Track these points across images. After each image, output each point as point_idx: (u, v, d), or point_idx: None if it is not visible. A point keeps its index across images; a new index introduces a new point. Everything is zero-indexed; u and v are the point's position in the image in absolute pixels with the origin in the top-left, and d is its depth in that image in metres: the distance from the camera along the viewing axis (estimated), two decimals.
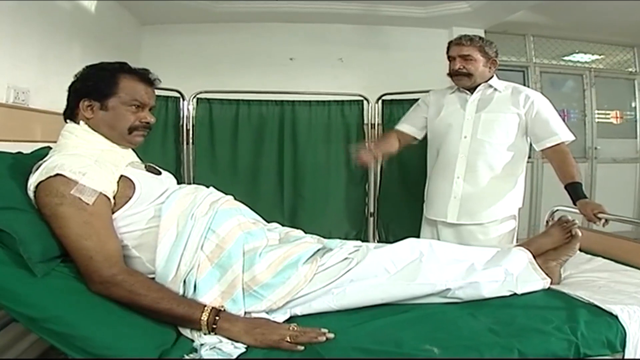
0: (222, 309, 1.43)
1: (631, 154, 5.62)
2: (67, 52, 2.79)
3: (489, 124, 2.50)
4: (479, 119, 2.52)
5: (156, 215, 1.53)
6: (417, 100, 2.89)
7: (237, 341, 1.36)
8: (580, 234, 1.98)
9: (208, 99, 3.61)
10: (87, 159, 1.48)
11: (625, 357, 1.46)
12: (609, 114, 5.62)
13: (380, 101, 3.81)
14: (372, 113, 3.80)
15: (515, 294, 1.72)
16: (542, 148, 2.49)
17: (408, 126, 2.79)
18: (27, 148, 1.85)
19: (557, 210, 2.63)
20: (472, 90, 2.58)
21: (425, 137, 2.81)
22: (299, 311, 1.54)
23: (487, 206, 2.52)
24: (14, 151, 1.69)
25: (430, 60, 3.37)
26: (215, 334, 1.37)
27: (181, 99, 3.51)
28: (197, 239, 1.51)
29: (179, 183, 1.80)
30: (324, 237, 1.88)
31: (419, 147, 3.30)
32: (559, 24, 4.76)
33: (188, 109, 3.54)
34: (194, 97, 3.55)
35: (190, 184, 1.95)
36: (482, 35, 4.00)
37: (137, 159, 1.74)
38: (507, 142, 2.50)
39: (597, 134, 5.42)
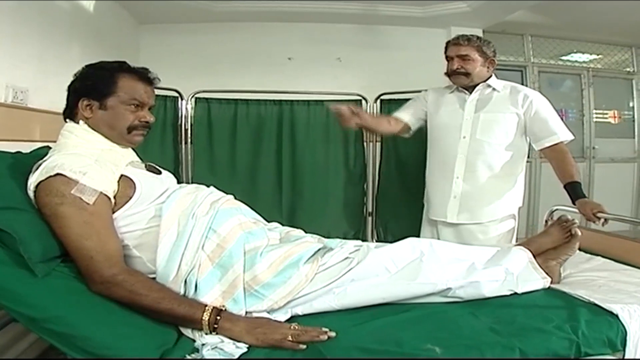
0: (223, 309, 1.43)
1: (629, 154, 5.64)
2: (66, 51, 2.78)
3: (487, 124, 2.50)
4: (478, 119, 2.52)
5: (157, 214, 1.52)
6: None
7: (238, 341, 1.36)
8: (580, 233, 1.98)
9: (207, 99, 3.60)
10: (88, 158, 1.47)
11: (626, 356, 1.46)
12: (607, 114, 5.63)
13: (378, 101, 3.80)
14: (371, 112, 3.79)
15: (515, 293, 1.73)
16: (541, 147, 2.50)
17: (404, 114, 2.76)
18: (26, 148, 1.84)
19: (557, 209, 2.64)
20: (470, 89, 2.59)
21: (421, 136, 2.80)
22: (300, 311, 1.54)
23: (487, 206, 2.53)
24: (12, 151, 1.68)
25: (429, 59, 3.37)
26: (217, 333, 1.37)
27: (180, 99, 3.50)
28: (198, 239, 1.50)
29: (178, 183, 1.80)
30: (323, 237, 1.88)
31: (417, 147, 3.31)
32: (557, 24, 4.76)
33: (186, 109, 3.53)
34: (192, 97, 3.54)
35: (188, 183, 1.95)
36: (481, 35, 4.04)
37: (137, 159, 1.73)
38: (506, 142, 2.50)
39: (595, 134, 5.43)
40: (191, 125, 3.57)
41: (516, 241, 2.62)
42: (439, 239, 2.57)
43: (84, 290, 1.34)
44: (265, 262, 1.54)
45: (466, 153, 2.53)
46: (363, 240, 2.25)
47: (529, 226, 5.01)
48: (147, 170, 1.69)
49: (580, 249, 2.09)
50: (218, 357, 1.27)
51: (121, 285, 1.35)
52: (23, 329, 2.00)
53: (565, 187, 2.36)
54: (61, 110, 1.66)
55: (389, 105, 3.74)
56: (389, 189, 3.82)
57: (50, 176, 1.39)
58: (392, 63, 4.39)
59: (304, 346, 1.33)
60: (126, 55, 1.89)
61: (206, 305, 1.41)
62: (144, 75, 1.67)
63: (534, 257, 1.89)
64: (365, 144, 3.83)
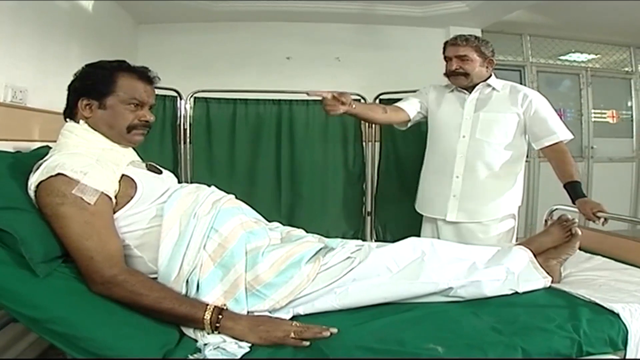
0: (225, 308, 1.43)
1: (627, 153, 5.64)
2: (65, 51, 2.77)
3: (487, 124, 2.50)
4: (478, 119, 2.52)
5: (158, 214, 1.52)
6: None
7: (241, 340, 1.35)
8: (580, 232, 1.99)
9: (205, 98, 3.60)
10: (89, 158, 1.47)
11: (627, 355, 1.47)
12: (605, 113, 5.63)
13: (377, 100, 3.80)
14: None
15: (516, 292, 1.73)
16: (540, 147, 2.50)
17: (405, 104, 2.73)
18: (26, 147, 1.84)
19: (556, 209, 2.64)
20: (469, 89, 2.58)
21: (420, 136, 2.80)
22: (301, 310, 1.54)
23: (487, 205, 2.53)
24: (12, 150, 1.68)
25: (428, 59, 3.37)
26: (219, 333, 1.37)
27: (179, 98, 3.49)
28: (199, 238, 1.50)
29: (178, 182, 1.79)
30: (323, 237, 1.88)
31: (416, 147, 3.31)
32: (555, 24, 4.76)
33: (185, 108, 3.52)
34: (191, 96, 3.53)
35: (188, 183, 1.95)
36: (479, 34, 4.03)
37: (138, 158, 1.73)
38: (506, 141, 2.50)
39: (593, 133, 5.44)
40: (190, 124, 3.56)
41: (516, 240, 2.63)
42: (439, 237, 2.58)
43: (85, 290, 1.34)
44: (267, 261, 1.54)
45: (466, 153, 2.52)
46: (362, 240, 2.25)
47: (527, 226, 5.02)
48: (148, 169, 1.68)
49: (580, 249, 2.09)
50: (220, 357, 1.27)
51: (122, 285, 1.34)
52: (23, 329, 2.01)
53: (565, 186, 2.36)
54: (60, 110, 1.66)
55: (389, 104, 3.73)
56: (387, 189, 3.82)
57: (51, 176, 1.38)
58: (391, 63, 4.39)
59: (307, 343, 1.34)
60: (125, 54, 1.89)
61: (207, 305, 1.40)
62: (143, 74, 1.67)
63: (535, 256, 1.89)
64: (364, 143, 3.83)
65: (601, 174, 5.34)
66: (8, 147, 1.75)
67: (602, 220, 2.21)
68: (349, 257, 1.65)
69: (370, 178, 3.90)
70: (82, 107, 1.59)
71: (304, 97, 3.66)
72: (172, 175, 1.81)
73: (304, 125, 3.73)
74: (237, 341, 1.33)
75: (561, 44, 5.35)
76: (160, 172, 1.74)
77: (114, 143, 1.62)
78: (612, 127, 5.65)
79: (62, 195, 1.37)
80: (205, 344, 1.31)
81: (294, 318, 1.52)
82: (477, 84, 2.56)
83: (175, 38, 4.12)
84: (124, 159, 1.58)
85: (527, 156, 2.66)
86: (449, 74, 2.58)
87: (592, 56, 5.57)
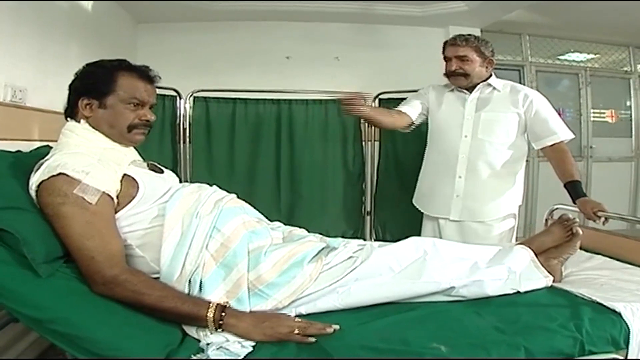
0: (228, 305, 1.42)
1: (626, 153, 5.65)
2: (65, 50, 2.77)
3: (489, 124, 2.50)
4: (479, 119, 2.52)
5: (160, 214, 1.51)
6: None
7: (246, 337, 1.36)
8: (581, 232, 1.98)
9: (205, 98, 3.60)
10: (90, 157, 1.46)
11: (629, 354, 1.47)
12: (604, 113, 5.64)
13: (377, 100, 3.80)
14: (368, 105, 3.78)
15: (518, 292, 1.72)
16: (541, 147, 2.50)
17: (408, 108, 2.71)
18: (25, 147, 1.83)
19: (557, 208, 2.63)
20: (469, 89, 2.58)
21: (420, 135, 2.79)
22: (304, 310, 1.53)
23: (489, 204, 2.53)
24: (12, 150, 1.67)
25: (427, 59, 3.37)
26: (222, 330, 1.36)
27: (178, 98, 3.50)
28: (202, 238, 1.49)
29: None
30: (324, 236, 1.88)
31: (415, 146, 3.31)
32: (554, 23, 4.77)
33: (185, 108, 3.53)
34: (190, 96, 3.54)
35: (188, 183, 1.94)
36: (479, 34, 4.03)
37: (139, 158, 1.72)
38: (508, 141, 2.50)
39: (592, 133, 5.45)
40: (189, 124, 3.57)
41: (516, 240, 2.63)
42: (440, 236, 2.58)
43: (87, 291, 1.33)
44: (269, 261, 1.54)
45: (468, 153, 2.52)
46: (362, 240, 2.25)
47: (526, 225, 5.02)
48: (150, 169, 1.67)
49: (580, 248, 2.09)
50: (223, 357, 1.26)
51: (123, 285, 1.33)
52: (23, 329, 2.00)
53: (565, 186, 2.37)
54: (60, 110, 1.65)
55: (388, 104, 3.73)
56: (387, 189, 3.83)
57: (53, 175, 1.37)
58: (391, 62, 4.39)
59: (313, 339, 1.34)
60: (124, 54, 1.88)
61: (210, 302, 1.40)
62: (144, 74, 1.66)
63: (536, 255, 1.89)
64: (363, 143, 3.84)
65: (600, 173, 5.35)
66: (8, 146, 1.74)
67: (602, 219, 2.22)
68: (351, 257, 1.65)
69: (370, 177, 3.91)
70: (83, 106, 1.58)
71: (304, 96, 3.69)
72: (173, 174, 1.80)
73: (304, 124, 3.73)
74: (240, 341, 1.32)
75: (560, 43, 5.36)
76: (162, 172, 1.73)
77: (115, 142, 1.61)
78: (611, 126, 5.66)
79: (63, 195, 1.36)
80: (208, 344, 1.31)
81: (296, 318, 1.51)
82: (478, 84, 2.55)
83: (175, 37, 4.12)
84: (126, 159, 1.58)
85: (527, 155, 2.66)
86: (448, 74, 2.57)
87: (591, 56, 5.58)
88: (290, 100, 3.70)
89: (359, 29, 4.39)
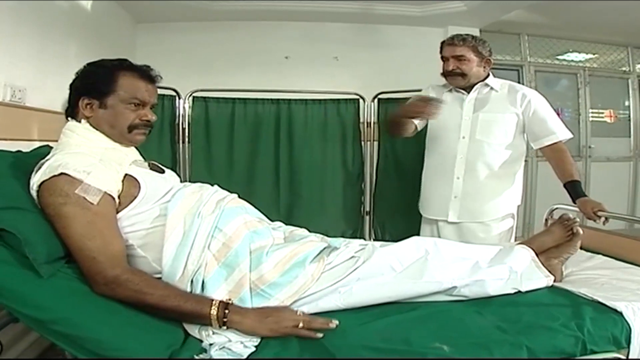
0: (230, 302, 1.42)
1: (625, 153, 5.66)
2: (64, 50, 2.76)
3: (487, 124, 2.50)
4: (477, 119, 2.51)
5: (161, 214, 1.51)
6: None
7: (252, 334, 1.36)
8: (581, 232, 1.99)
9: (204, 98, 3.60)
10: (92, 157, 1.46)
11: (631, 353, 1.47)
12: (602, 113, 5.64)
13: (376, 100, 3.81)
14: (368, 112, 3.80)
15: (519, 291, 1.72)
16: (540, 147, 2.50)
17: None
18: (25, 147, 1.83)
19: (557, 208, 2.63)
20: (467, 89, 2.57)
21: (418, 135, 2.79)
22: (306, 310, 1.52)
23: (488, 205, 2.53)
24: (11, 150, 1.67)
25: (426, 59, 3.36)
26: (227, 328, 1.36)
27: (177, 98, 3.50)
28: (204, 238, 1.49)
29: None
30: (325, 236, 1.87)
31: (414, 146, 3.30)
32: (553, 23, 4.77)
33: (184, 108, 3.53)
34: (190, 96, 3.53)
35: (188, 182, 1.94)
36: (477, 34, 4.03)
37: (141, 157, 1.71)
38: (506, 141, 2.50)
39: (591, 133, 5.45)
40: (189, 124, 3.56)
41: (515, 239, 2.63)
42: (439, 237, 2.56)
43: (89, 291, 1.33)
44: (271, 261, 1.54)
45: (466, 153, 2.52)
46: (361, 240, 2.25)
47: (525, 225, 5.02)
48: (151, 169, 1.67)
49: (580, 248, 2.09)
50: (226, 357, 1.26)
51: (125, 285, 1.33)
52: (23, 329, 2.00)
53: (565, 186, 2.37)
54: (59, 109, 1.65)
55: (387, 104, 3.75)
56: (386, 188, 3.82)
57: (54, 175, 1.37)
58: (390, 62, 4.39)
59: (320, 334, 1.35)
60: (124, 54, 1.88)
61: (213, 300, 1.39)
62: (145, 73, 1.65)
63: (536, 255, 1.89)
64: (362, 143, 3.84)
65: (599, 173, 5.36)
66: (7, 146, 1.74)
67: (602, 219, 2.22)
68: (353, 257, 1.65)
69: (369, 177, 3.91)
70: (83, 106, 1.57)
71: (303, 96, 3.69)
72: (174, 174, 1.80)
73: (303, 124, 3.73)
74: (242, 341, 1.32)
75: (559, 43, 5.36)
76: (163, 171, 1.73)
77: (115, 142, 1.61)
78: (609, 126, 5.66)
79: (65, 195, 1.35)
80: (210, 344, 1.31)
81: None
82: (475, 84, 2.55)
83: (174, 37, 4.12)
84: (127, 159, 1.57)
85: (526, 155, 2.66)
86: (446, 74, 2.57)
87: (590, 56, 5.59)
88: (289, 100, 3.70)
89: (358, 29, 4.39)
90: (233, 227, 1.56)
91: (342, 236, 2.68)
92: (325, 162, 3.77)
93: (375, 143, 3.88)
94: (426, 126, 2.75)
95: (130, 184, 1.49)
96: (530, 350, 1.34)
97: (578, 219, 2.06)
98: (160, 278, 1.45)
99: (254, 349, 1.31)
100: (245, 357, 1.27)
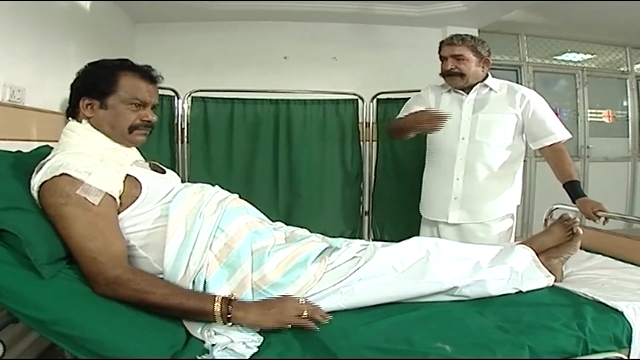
0: (233, 298, 1.41)
1: (623, 153, 5.66)
2: (63, 50, 2.75)
3: (486, 125, 2.49)
4: (477, 120, 2.51)
5: (163, 214, 1.50)
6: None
7: (257, 327, 1.38)
8: (581, 232, 1.99)
9: (203, 98, 3.59)
10: (93, 158, 1.45)
11: (632, 352, 1.47)
12: (601, 113, 5.65)
13: (375, 100, 3.81)
14: (367, 112, 3.80)
15: (520, 291, 1.73)
16: (539, 147, 2.51)
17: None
18: (24, 147, 1.82)
19: (556, 208, 2.64)
20: (466, 89, 2.57)
21: (417, 135, 2.78)
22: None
23: (487, 205, 2.53)
24: (9, 150, 1.66)
25: (425, 59, 3.36)
26: (232, 324, 1.36)
27: (176, 98, 3.49)
28: (205, 238, 1.49)
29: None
30: (326, 236, 1.87)
31: (413, 146, 3.30)
32: (552, 24, 4.77)
33: (183, 108, 3.52)
34: (189, 96, 3.53)
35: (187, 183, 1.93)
36: (476, 34, 4.02)
37: (141, 158, 1.71)
38: (505, 142, 2.50)
39: (589, 133, 5.46)
40: (187, 124, 3.56)
41: (514, 240, 2.63)
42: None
43: (90, 292, 1.32)
44: (273, 261, 1.54)
45: (466, 154, 2.52)
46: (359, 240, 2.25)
47: (523, 225, 5.03)
48: (152, 169, 1.67)
49: (580, 248, 2.09)
50: (229, 358, 1.26)
51: (127, 285, 1.33)
52: (23, 329, 1.99)
53: (564, 186, 2.37)
54: (58, 110, 1.65)
55: (386, 104, 3.75)
56: (385, 188, 3.82)
57: (55, 176, 1.37)
58: (388, 62, 4.39)
59: (318, 328, 1.40)
60: (123, 54, 1.87)
61: (215, 296, 1.39)
62: (146, 74, 1.64)
63: (537, 255, 1.89)
64: (361, 143, 3.84)
65: (597, 173, 5.36)
66: (6, 146, 1.73)
67: (602, 219, 2.22)
68: (354, 257, 1.66)
69: (368, 177, 3.91)
70: (84, 106, 1.57)
71: (302, 96, 3.68)
72: (175, 174, 1.79)
73: (302, 124, 3.73)
74: (245, 341, 1.31)
75: (557, 43, 5.36)
76: (164, 172, 1.73)
77: (116, 143, 1.61)
78: (607, 126, 5.67)
79: (66, 196, 1.35)
80: (213, 345, 1.31)
81: None
82: (474, 85, 2.54)
83: (173, 37, 4.11)
84: (128, 159, 1.57)
85: (525, 155, 2.66)
86: (444, 73, 2.56)
87: (588, 56, 5.59)
88: (288, 100, 3.70)
89: (357, 29, 4.39)
90: (235, 227, 1.56)
91: (341, 236, 2.67)
92: (324, 163, 3.77)
93: (374, 143, 3.88)
94: None
95: (132, 184, 1.49)
96: (532, 350, 1.34)
97: (578, 219, 2.06)
98: (162, 278, 1.45)
99: (256, 349, 1.30)
100: (247, 357, 1.27)
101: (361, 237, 3.79)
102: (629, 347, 1.47)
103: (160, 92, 3.14)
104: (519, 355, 1.33)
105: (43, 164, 1.43)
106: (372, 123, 3.82)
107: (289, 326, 1.40)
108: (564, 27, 4.90)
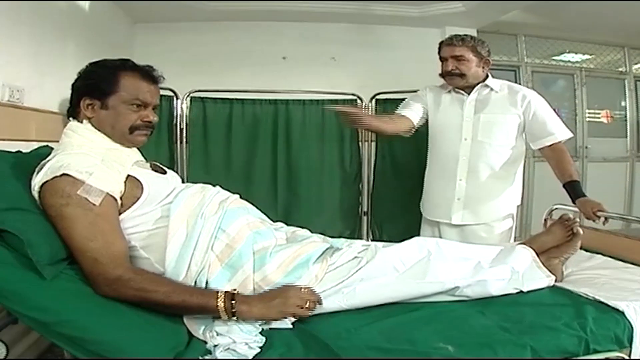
0: (236, 292, 1.41)
1: (621, 153, 5.66)
2: (62, 50, 2.74)
3: (488, 126, 2.50)
4: (478, 121, 2.51)
5: (164, 215, 1.50)
6: None
7: (263, 320, 1.41)
8: (581, 232, 1.99)
9: (202, 98, 3.60)
10: (94, 158, 1.45)
11: (633, 352, 1.48)
12: (599, 113, 5.64)
13: (374, 100, 3.81)
14: (366, 112, 3.79)
15: (521, 291, 1.73)
16: (539, 147, 2.51)
17: (409, 112, 2.69)
18: (23, 147, 1.82)
19: (556, 208, 2.64)
20: (466, 90, 2.57)
21: (416, 135, 2.78)
22: (309, 311, 1.52)
23: (490, 205, 2.53)
24: (8, 150, 1.65)
25: (424, 59, 3.37)
26: (237, 319, 1.37)
27: (175, 98, 3.49)
28: (207, 239, 1.49)
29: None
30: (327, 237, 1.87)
31: (412, 146, 3.31)
32: (550, 24, 4.77)
33: (182, 108, 3.52)
34: (187, 96, 3.53)
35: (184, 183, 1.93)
36: (475, 34, 4.02)
37: (142, 158, 1.71)
38: (507, 142, 2.50)
39: (587, 133, 5.45)
40: (186, 124, 3.56)
41: (514, 240, 2.63)
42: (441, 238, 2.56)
43: (92, 293, 1.32)
44: (274, 262, 1.54)
45: (468, 155, 2.52)
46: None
47: (522, 225, 5.02)
48: (152, 169, 1.66)
49: (580, 248, 2.09)
50: (231, 358, 1.26)
51: (128, 284, 1.32)
52: (23, 330, 1.99)
53: (564, 186, 2.37)
54: (56, 110, 1.64)
55: (385, 104, 3.76)
56: (384, 189, 3.83)
57: (56, 176, 1.36)
58: (387, 63, 4.38)
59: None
60: (121, 54, 1.86)
61: (218, 291, 1.39)
62: (147, 74, 1.64)
63: (537, 255, 1.89)
64: (360, 143, 3.84)
65: (595, 173, 5.35)
66: (5, 146, 1.73)
67: (602, 219, 2.22)
68: (356, 257, 1.65)
69: (367, 178, 3.91)
70: (85, 106, 1.57)
71: (300, 96, 3.69)
72: (176, 175, 1.79)
73: (300, 125, 3.74)
74: (247, 342, 1.31)
75: (556, 44, 5.36)
76: (165, 172, 1.72)
77: (117, 143, 1.60)
78: (606, 127, 5.66)
79: (66, 196, 1.35)
80: (215, 346, 1.30)
81: (301, 318, 1.50)
82: (475, 85, 2.55)
83: (172, 37, 4.09)
84: (129, 159, 1.57)
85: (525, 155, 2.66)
86: (444, 74, 2.56)
87: (587, 56, 5.58)
88: (287, 100, 3.71)
89: (355, 30, 4.38)
90: (236, 228, 1.56)
91: (340, 236, 2.68)
92: (323, 163, 3.78)
93: (373, 144, 3.89)
94: (426, 127, 2.75)
95: (133, 185, 1.49)
96: (534, 350, 1.34)
97: (578, 220, 2.06)
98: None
99: (258, 349, 1.30)
100: (250, 358, 1.27)
101: (360, 237, 3.79)
102: (630, 346, 1.48)
103: None
104: (521, 355, 1.33)
105: (44, 165, 1.42)
106: None
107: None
108: (562, 27, 4.90)
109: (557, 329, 1.43)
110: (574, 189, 2.33)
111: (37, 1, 2.46)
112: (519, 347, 1.34)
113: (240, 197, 1.80)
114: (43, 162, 1.44)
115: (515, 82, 4.34)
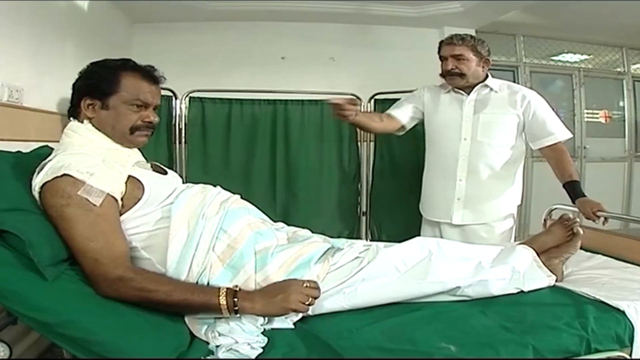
0: (238, 289, 1.41)
1: (619, 153, 5.67)
2: (61, 50, 2.74)
3: (488, 126, 2.50)
4: (478, 121, 2.51)
5: (164, 216, 1.50)
6: None
7: (265, 315, 1.40)
8: (582, 232, 1.99)
9: (201, 98, 3.60)
10: (94, 158, 1.44)
11: (634, 351, 1.48)
12: (597, 114, 5.65)
13: (372, 100, 3.82)
14: (365, 111, 3.79)
15: (522, 291, 1.73)
16: (539, 147, 2.51)
17: (399, 112, 2.71)
18: (22, 147, 1.81)
19: (556, 208, 2.64)
20: (466, 90, 2.57)
21: (415, 135, 2.78)
22: (310, 311, 1.51)
23: (490, 205, 2.53)
24: (7, 150, 1.65)
25: (422, 59, 3.37)
26: (240, 316, 1.37)
27: (174, 98, 3.49)
28: (208, 240, 1.48)
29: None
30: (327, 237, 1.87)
31: (411, 146, 3.31)
32: (548, 24, 4.78)
33: (181, 108, 3.52)
34: (186, 96, 3.53)
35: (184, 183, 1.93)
36: (473, 34, 4.02)
37: (143, 159, 1.70)
38: (507, 142, 2.50)
39: (586, 133, 5.46)
40: (185, 124, 3.56)
41: (514, 240, 2.63)
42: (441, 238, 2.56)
43: (94, 293, 1.31)
44: (276, 262, 1.53)
45: (468, 155, 2.52)
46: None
47: (521, 225, 5.02)
48: (153, 170, 1.66)
49: (580, 247, 2.10)
50: (233, 359, 1.25)
51: (129, 284, 1.32)
52: (23, 330, 1.99)
53: (564, 186, 2.38)
54: (55, 110, 1.63)
55: (384, 104, 3.74)
56: (382, 189, 3.84)
57: (57, 177, 1.36)
58: (386, 63, 4.37)
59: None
60: (120, 54, 1.86)
61: (219, 289, 1.38)
62: (148, 74, 1.64)
63: (537, 255, 1.90)
64: (359, 143, 3.85)
65: (593, 173, 5.36)
66: (4, 146, 1.72)
67: (602, 219, 2.23)
68: (357, 257, 1.66)
69: (365, 178, 3.91)
70: (85, 106, 1.56)
71: (299, 97, 3.69)
72: (176, 175, 1.78)
73: (299, 125, 3.74)
74: (249, 342, 1.31)
75: (554, 44, 5.36)
76: (165, 173, 1.72)
77: (117, 144, 1.60)
78: (604, 127, 5.67)
79: (67, 197, 1.34)
80: (217, 346, 1.30)
81: (303, 318, 1.52)
82: (474, 85, 2.55)
83: (170, 37, 4.09)
84: (130, 160, 1.56)
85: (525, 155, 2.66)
86: (444, 74, 2.57)
87: (585, 57, 5.59)
88: (285, 100, 3.71)
89: (354, 30, 4.38)
90: (237, 228, 1.55)
91: (339, 237, 2.69)
92: (322, 163, 3.78)
93: (372, 144, 3.90)
94: (424, 127, 2.75)
95: (134, 185, 1.48)
96: (536, 350, 1.34)
97: (578, 219, 2.07)
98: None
99: (261, 350, 1.30)
100: (252, 358, 1.27)
101: (359, 237, 3.80)
102: (631, 346, 1.48)
103: None
104: (523, 354, 1.33)
105: (44, 165, 1.42)
106: None
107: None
108: (560, 27, 4.90)
109: (559, 329, 1.43)
110: (573, 189, 2.34)
111: (37, 1, 2.46)
112: (521, 347, 1.34)
113: (240, 197, 1.80)
114: (43, 162, 1.44)
115: (514, 82, 4.36)
